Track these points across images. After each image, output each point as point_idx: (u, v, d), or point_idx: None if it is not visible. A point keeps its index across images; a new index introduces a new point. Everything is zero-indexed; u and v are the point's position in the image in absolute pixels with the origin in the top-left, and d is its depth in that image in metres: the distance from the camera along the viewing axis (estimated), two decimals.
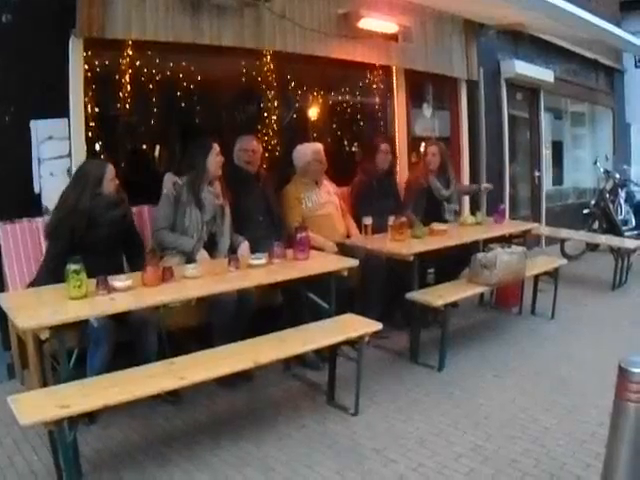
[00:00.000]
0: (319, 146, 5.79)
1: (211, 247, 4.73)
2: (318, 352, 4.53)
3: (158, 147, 5.12)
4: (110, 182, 4.21)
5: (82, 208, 4.08)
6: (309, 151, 5.70)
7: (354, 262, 4.49)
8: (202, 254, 4.57)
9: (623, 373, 2.48)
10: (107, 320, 3.70)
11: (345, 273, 4.39)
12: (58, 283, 3.67)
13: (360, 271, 4.88)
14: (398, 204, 6.21)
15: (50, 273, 3.98)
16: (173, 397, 4.17)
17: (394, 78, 7.48)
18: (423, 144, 7.03)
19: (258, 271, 4.20)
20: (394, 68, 7.41)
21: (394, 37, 6.97)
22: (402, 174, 7.28)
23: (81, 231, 4.05)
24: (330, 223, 5.62)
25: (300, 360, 4.78)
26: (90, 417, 3.83)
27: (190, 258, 4.51)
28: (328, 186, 5.82)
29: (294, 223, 5.23)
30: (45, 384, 3.58)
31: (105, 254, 4.14)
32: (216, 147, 4.73)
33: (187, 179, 4.67)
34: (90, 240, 4.08)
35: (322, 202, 5.64)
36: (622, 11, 13.05)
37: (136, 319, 3.88)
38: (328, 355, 4.32)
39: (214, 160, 4.71)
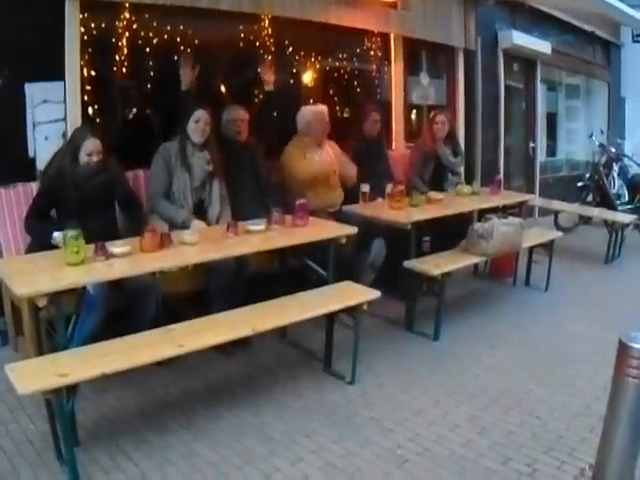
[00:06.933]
0: (321, 107, 5.70)
1: (200, 215, 4.64)
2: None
3: (154, 111, 5.03)
4: (85, 156, 4.07)
5: (63, 172, 4.06)
6: (308, 112, 5.62)
7: (353, 229, 4.46)
8: (197, 225, 4.47)
9: (624, 348, 2.46)
10: (104, 287, 3.68)
11: (344, 240, 4.37)
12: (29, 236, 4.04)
13: (356, 238, 4.83)
14: (388, 168, 6.26)
15: (28, 220, 4.10)
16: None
17: (392, 45, 7.39)
18: (432, 113, 6.95)
19: (256, 237, 4.16)
20: (392, 35, 7.32)
21: (393, 4, 6.97)
22: (398, 140, 7.38)
23: (67, 191, 4.02)
24: (326, 188, 5.56)
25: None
26: None
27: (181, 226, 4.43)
28: (330, 150, 5.69)
29: (304, 175, 5.30)
30: (41, 352, 3.56)
31: (96, 214, 4.09)
32: (197, 113, 4.57)
33: (176, 143, 4.60)
34: (77, 200, 4.04)
35: (322, 163, 5.57)
36: None
37: (133, 285, 3.84)
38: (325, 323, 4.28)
39: (193, 126, 4.57)
